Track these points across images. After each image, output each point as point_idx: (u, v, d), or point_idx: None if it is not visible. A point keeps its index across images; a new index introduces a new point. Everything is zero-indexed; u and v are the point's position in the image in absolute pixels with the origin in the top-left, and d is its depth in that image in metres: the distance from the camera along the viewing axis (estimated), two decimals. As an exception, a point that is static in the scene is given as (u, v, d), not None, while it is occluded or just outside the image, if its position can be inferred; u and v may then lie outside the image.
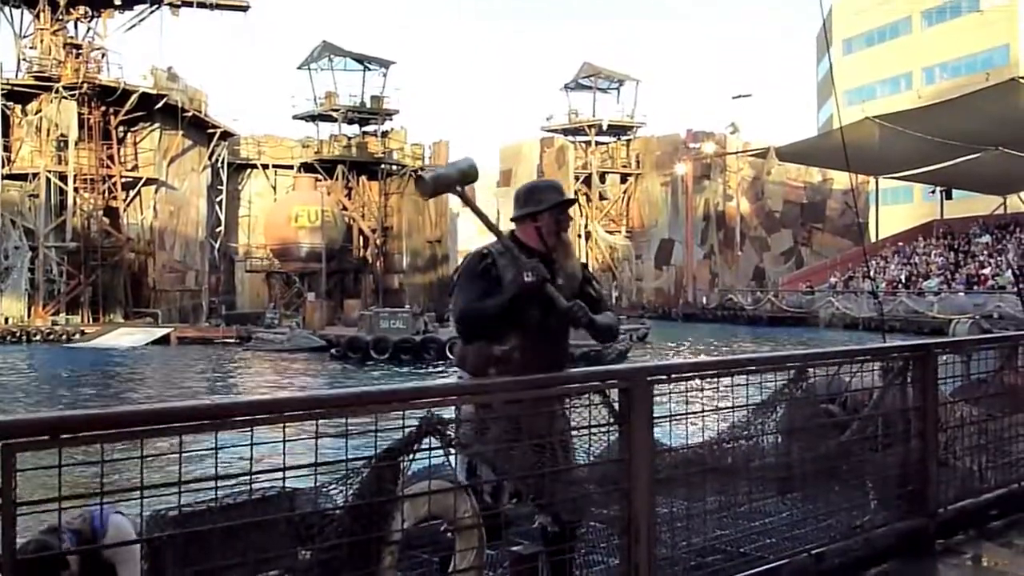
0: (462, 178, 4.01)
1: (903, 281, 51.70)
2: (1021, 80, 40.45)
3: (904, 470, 5.14)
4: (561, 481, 3.78)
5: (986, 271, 48.24)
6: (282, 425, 2.96)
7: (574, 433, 3.85)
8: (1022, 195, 56.16)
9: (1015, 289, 28.78)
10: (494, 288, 3.93)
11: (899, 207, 66.53)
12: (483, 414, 3.71)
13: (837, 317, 48.55)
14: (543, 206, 4.13)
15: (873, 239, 59.71)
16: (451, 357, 33.30)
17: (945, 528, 5.31)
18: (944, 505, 5.32)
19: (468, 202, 4.23)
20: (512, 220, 4.22)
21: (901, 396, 5.22)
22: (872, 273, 50.99)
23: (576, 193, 66.58)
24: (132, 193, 49.13)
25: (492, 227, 4.10)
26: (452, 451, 3.58)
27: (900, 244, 58.19)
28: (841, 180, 63.77)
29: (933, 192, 59.39)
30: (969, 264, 50.82)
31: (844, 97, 66.83)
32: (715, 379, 4.29)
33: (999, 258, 49.27)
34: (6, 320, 44.04)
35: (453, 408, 3.64)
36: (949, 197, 58.03)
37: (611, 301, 66.58)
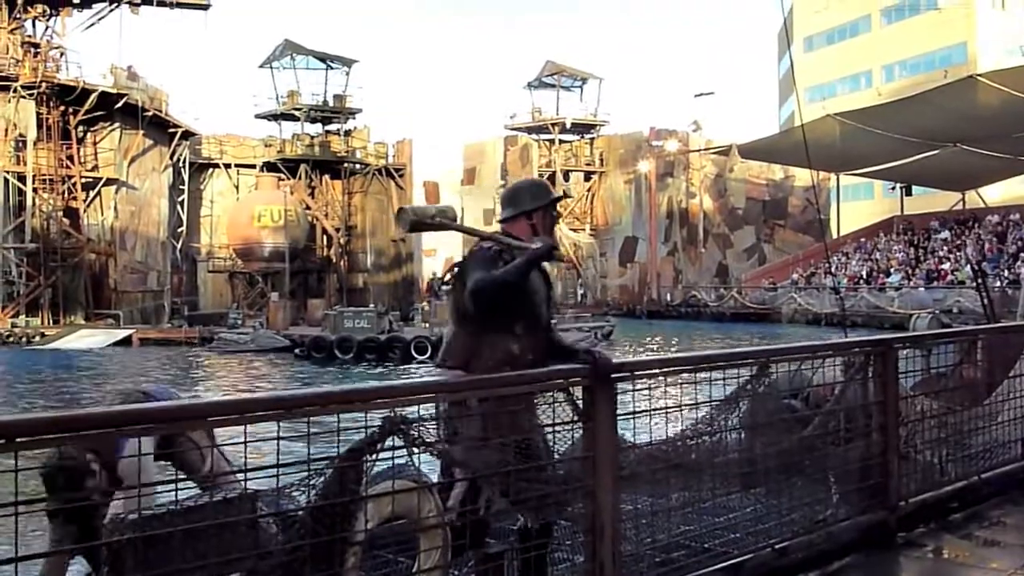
0: (439, 213, 4.07)
1: (864, 277, 52.14)
2: (978, 77, 40.88)
3: (866, 464, 5.19)
4: (542, 479, 3.78)
5: (946, 266, 48.73)
6: (243, 426, 2.94)
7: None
8: (980, 191, 56.80)
9: (974, 284, 29.11)
10: None
11: (860, 203, 67.07)
12: (466, 411, 3.72)
13: (799, 313, 48.92)
14: (539, 203, 4.22)
15: (834, 235, 60.15)
16: (416, 356, 33.26)
17: (906, 521, 5.36)
18: (905, 498, 5.37)
19: (455, 227, 4.25)
20: (501, 221, 4.28)
21: (862, 391, 5.27)
22: (833, 269, 51.38)
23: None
24: (92, 193, 48.56)
25: (486, 235, 4.17)
26: (416, 450, 3.56)
27: (861, 240, 58.67)
28: (803, 177, 64.24)
29: (893, 188, 59.87)
30: (929, 259, 51.33)
31: (805, 94, 67.31)
32: (678, 376, 4.30)
33: (958, 253, 49.80)
34: (-36, 323, 43.47)
35: (435, 405, 3.65)
36: (909, 193, 58.57)
37: (576, 298, 66.82)
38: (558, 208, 4.32)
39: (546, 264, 4.19)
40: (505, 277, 3.83)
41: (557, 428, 3.82)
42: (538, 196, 4.25)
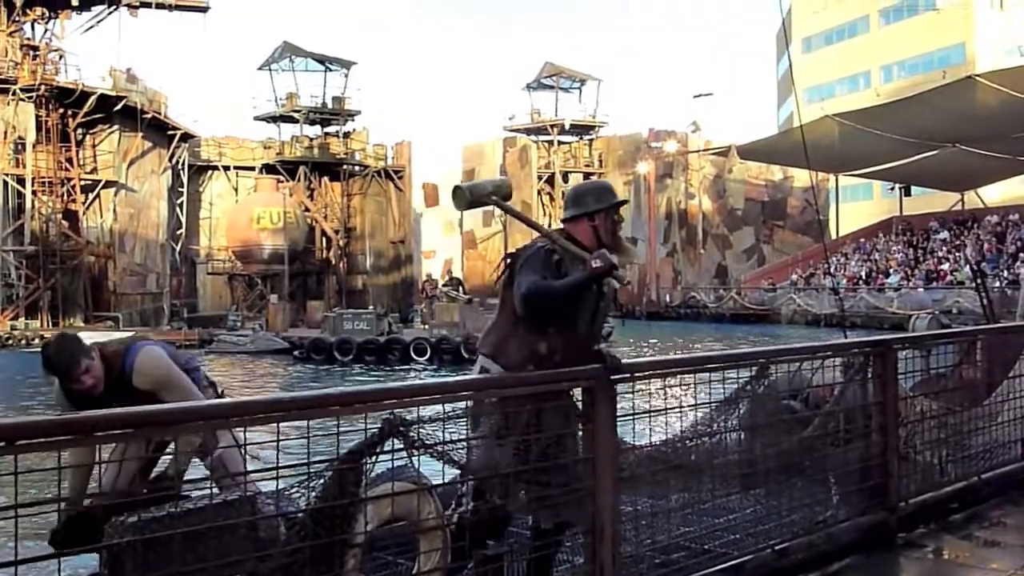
0: (495, 190, 4.08)
1: (863, 277, 52.13)
2: (977, 78, 40.89)
3: (865, 465, 5.19)
4: (558, 480, 3.78)
5: (945, 267, 48.72)
6: (243, 429, 2.95)
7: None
8: (979, 191, 56.81)
9: (973, 284, 29.14)
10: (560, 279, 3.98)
11: (859, 204, 67.08)
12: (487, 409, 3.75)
13: (799, 314, 48.89)
14: (601, 205, 4.23)
15: (833, 236, 60.17)
16: (415, 358, 33.24)
17: (906, 522, 5.36)
18: (905, 499, 5.36)
19: (510, 210, 4.29)
20: (564, 221, 4.30)
21: (862, 391, 5.26)
22: (833, 269, 51.36)
23: (539, 193, 66.70)
24: (91, 196, 48.54)
25: (542, 229, 4.17)
26: (415, 452, 3.56)
27: (860, 241, 58.66)
28: (802, 178, 64.24)
29: (892, 189, 59.86)
30: (928, 260, 51.33)
31: (804, 95, 67.41)
32: (678, 377, 4.30)
33: (957, 254, 49.79)
34: (-36, 326, 43.45)
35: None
36: (908, 194, 58.56)
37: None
38: (620, 212, 4.33)
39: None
40: (560, 291, 3.89)
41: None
42: (601, 198, 4.26)
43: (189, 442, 4.10)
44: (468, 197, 4.04)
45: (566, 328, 3.99)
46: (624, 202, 4.41)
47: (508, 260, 4.12)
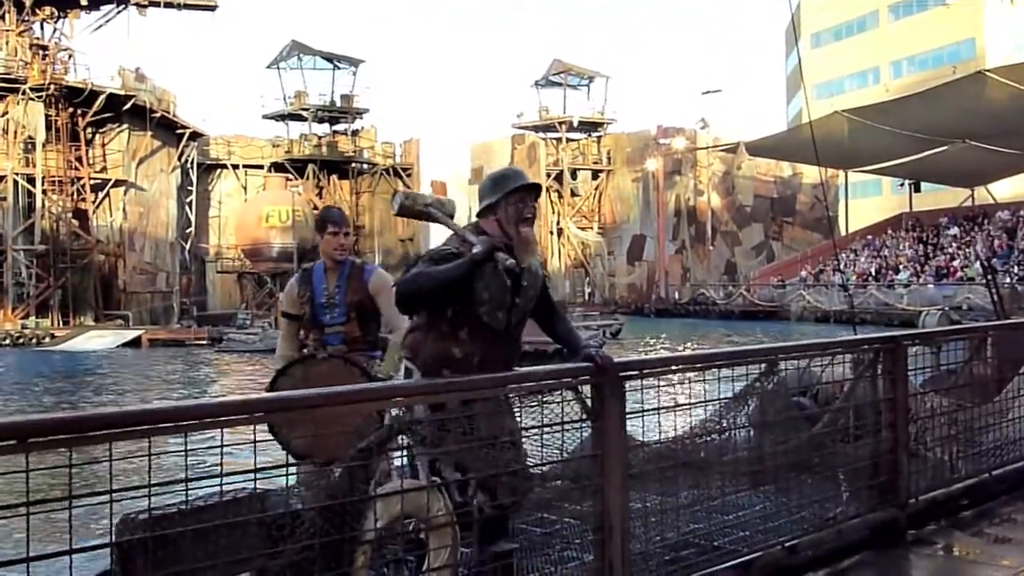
0: (436, 203, 3.96)
1: (873, 274, 52.00)
2: (987, 73, 40.73)
3: (875, 461, 5.17)
4: (519, 476, 3.74)
5: (955, 263, 48.55)
6: (253, 426, 2.95)
7: (546, 430, 3.80)
8: (990, 187, 56.61)
9: (984, 280, 29.03)
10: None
11: (868, 200, 66.90)
12: (437, 415, 3.64)
13: (808, 310, 48.78)
14: (497, 195, 3.93)
15: (843, 232, 60.02)
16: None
17: (917, 519, 5.34)
18: (915, 496, 5.35)
19: (441, 220, 4.06)
20: (477, 216, 4.02)
21: (872, 388, 5.25)
22: (842, 266, 51.26)
23: (547, 190, 66.58)
24: (101, 195, 48.73)
25: (457, 230, 3.92)
26: (416, 450, 3.56)
27: (870, 237, 58.52)
28: (811, 174, 64.15)
29: (902, 185, 59.66)
30: (938, 256, 51.14)
31: (813, 91, 67.12)
32: (687, 374, 4.29)
33: (968, 250, 49.60)
34: (-25, 324, 43.62)
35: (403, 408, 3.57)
36: (918, 190, 58.36)
37: (584, 297, 66.71)
38: (529, 200, 3.97)
39: (532, 258, 4.00)
40: (424, 280, 3.69)
41: (565, 427, 3.80)
42: (498, 186, 3.95)
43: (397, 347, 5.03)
44: (403, 201, 3.95)
45: (481, 331, 3.80)
46: (527, 185, 3.99)
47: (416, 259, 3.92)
